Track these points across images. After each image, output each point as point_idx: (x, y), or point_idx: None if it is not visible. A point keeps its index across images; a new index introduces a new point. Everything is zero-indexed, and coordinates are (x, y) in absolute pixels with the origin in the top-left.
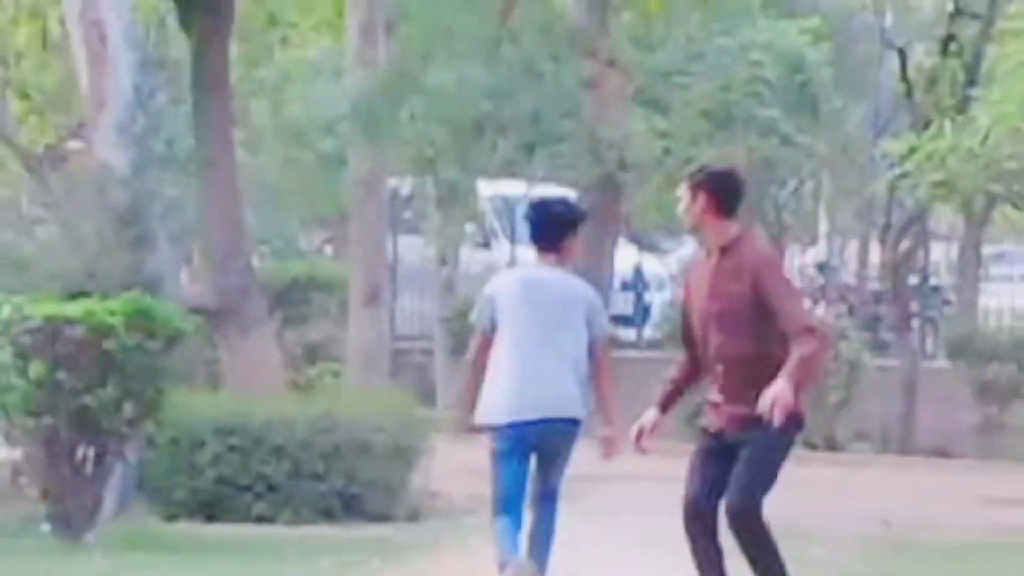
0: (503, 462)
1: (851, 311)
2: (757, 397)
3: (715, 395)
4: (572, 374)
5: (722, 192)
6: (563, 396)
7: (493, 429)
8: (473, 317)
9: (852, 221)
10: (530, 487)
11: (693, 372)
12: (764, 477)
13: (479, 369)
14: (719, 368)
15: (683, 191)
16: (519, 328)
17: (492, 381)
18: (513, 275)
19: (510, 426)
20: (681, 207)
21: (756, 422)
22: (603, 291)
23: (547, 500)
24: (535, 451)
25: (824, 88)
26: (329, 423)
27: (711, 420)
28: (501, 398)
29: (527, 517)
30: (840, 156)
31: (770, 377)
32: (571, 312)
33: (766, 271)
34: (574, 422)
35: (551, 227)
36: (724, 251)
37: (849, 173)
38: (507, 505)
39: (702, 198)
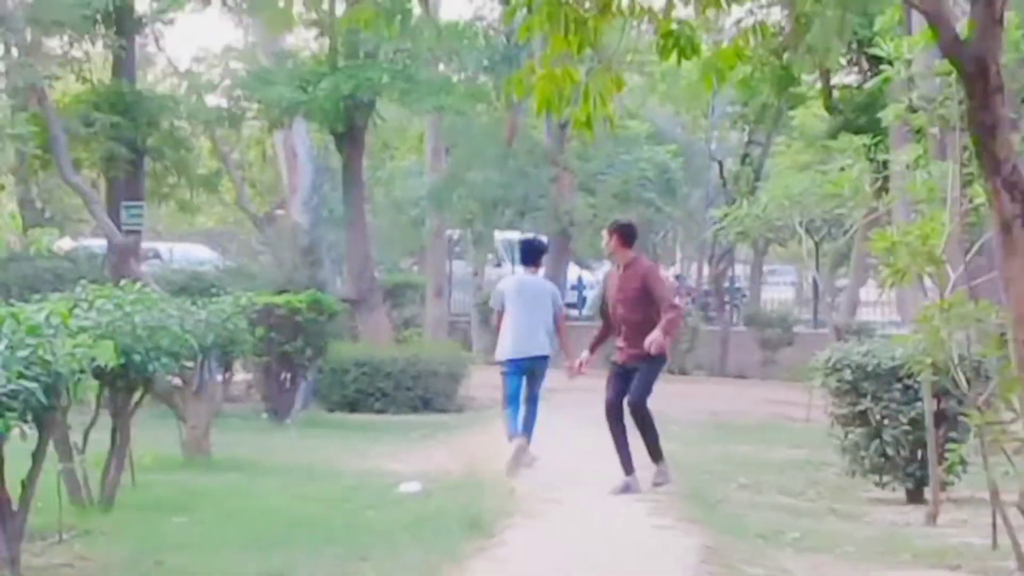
0: (509, 379)
1: (693, 300)
2: (643, 343)
3: (620, 343)
4: (544, 332)
5: (624, 234)
6: (539, 343)
7: (504, 362)
8: (491, 302)
9: (694, 252)
10: (523, 393)
11: (607, 331)
12: (647, 387)
13: (497, 330)
14: (623, 328)
15: (605, 235)
16: (516, 307)
17: (503, 336)
18: (512, 279)
19: (511, 360)
20: (604, 243)
21: (643, 356)
22: (561, 289)
23: (532, 401)
24: (526, 373)
25: (678, 181)
26: (415, 359)
27: (618, 356)
28: (508, 345)
29: (521, 409)
30: (687, 218)
31: (649, 331)
32: (543, 298)
33: (650, 276)
34: (545, 357)
35: (532, 252)
36: (627, 267)
37: (692, 227)
38: (511, 402)
39: (614, 238)
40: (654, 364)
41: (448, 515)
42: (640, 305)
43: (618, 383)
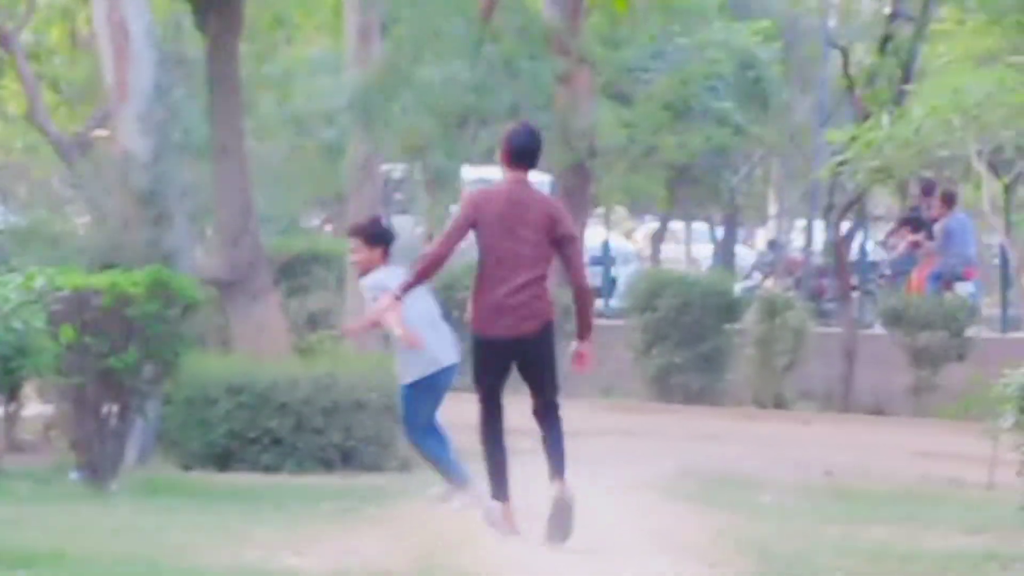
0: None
1: (797, 283)
2: None
3: None
4: None
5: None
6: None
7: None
8: None
9: (798, 203)
10: None
11: None
12: None
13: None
14: None
15: None
16: None
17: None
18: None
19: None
20: None
21: None
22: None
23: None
24: None
25: (773, 83)
26: (329, 383)
27: None
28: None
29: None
30: (787, 144)
31: None
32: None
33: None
34: None
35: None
36: None
37: (796, 159)
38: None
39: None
40: None
41: None
42: None
43: None
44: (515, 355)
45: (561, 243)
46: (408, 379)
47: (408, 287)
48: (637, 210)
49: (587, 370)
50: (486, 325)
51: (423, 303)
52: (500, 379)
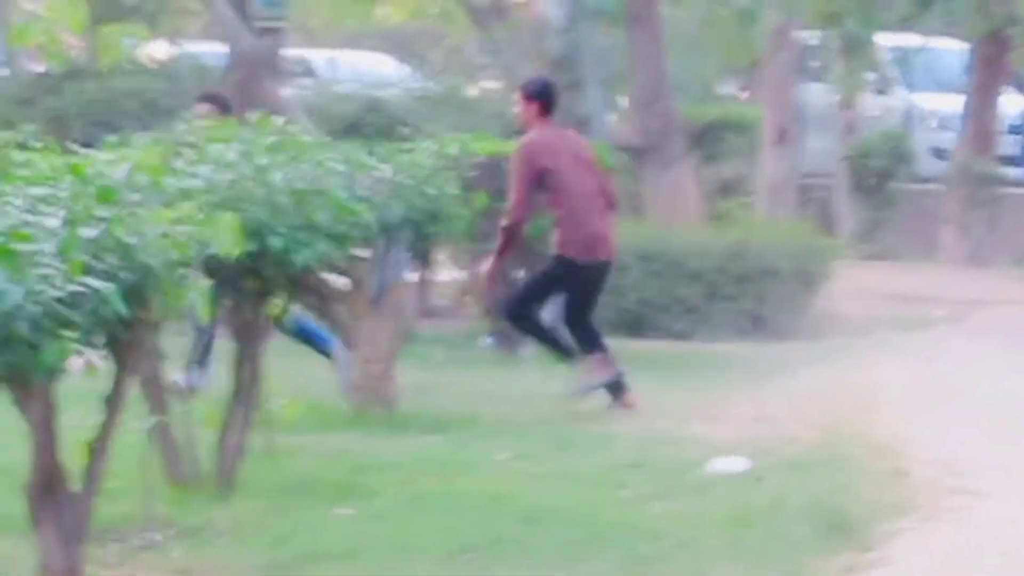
0: None
1: None
2: None
3: None
4: None
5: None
6: None
7: None
8: None
9: None
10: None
11: None
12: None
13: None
14: None
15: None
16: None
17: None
18: None
19: None
20: None
21: None
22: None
23: None
24: None
25: None
26: (741, 250)
27: None
28: None
29: None
30: None
31: None
32: None
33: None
34: None
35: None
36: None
37: None
38: None
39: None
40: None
41: (792, 511)
42: None
43: None
44: (605, 277)
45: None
46: None
47: (502, 255)
48: None
49: None
50: (590, 251)
51: None
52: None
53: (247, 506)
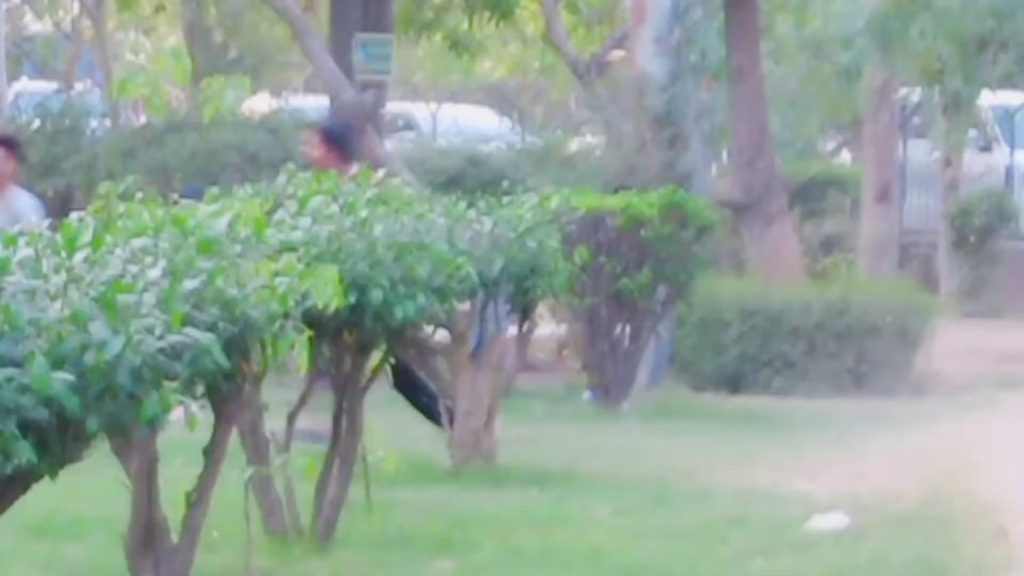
0: None
1: None
2: None
3: None
4: None
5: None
6: None
7: None
8: None
9: None
10: None
11: None
12: None
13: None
14: None
15: None
16: None
17: None
18: None
19: None
20: None
21: None
22: None
23: None
24: None
25: None
26: (842, 307)
27: None
28: None
29: None
30: None
31: None
32: None
33: None
34: None
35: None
36: None
37: None
38: None
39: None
40: None
41: (894, 569)
42: None
43: None
44: None
45: None
46: None
47: None
48: None
49: None
50: None
51: None
52: None
53: (346, 559)
